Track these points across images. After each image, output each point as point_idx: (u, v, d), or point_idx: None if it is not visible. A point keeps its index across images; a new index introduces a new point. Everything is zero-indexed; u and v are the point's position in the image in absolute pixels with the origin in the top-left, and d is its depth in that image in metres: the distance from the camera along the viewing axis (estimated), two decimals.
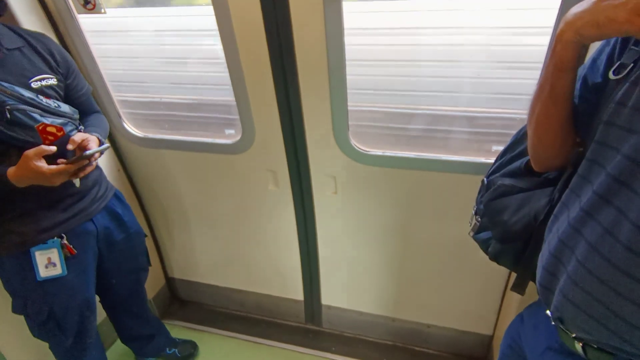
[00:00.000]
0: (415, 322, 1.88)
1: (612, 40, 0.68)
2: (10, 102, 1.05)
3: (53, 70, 1.20)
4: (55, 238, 1.25)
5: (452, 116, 1.42)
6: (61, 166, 1.08)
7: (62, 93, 1.23)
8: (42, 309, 1.30)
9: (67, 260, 1.28)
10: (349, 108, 1.38)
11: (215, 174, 1.74)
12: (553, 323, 0.71)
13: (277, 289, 2.05)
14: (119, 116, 1.69)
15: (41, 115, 1.12)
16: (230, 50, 1.35)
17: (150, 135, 1.71)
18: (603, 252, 0.59)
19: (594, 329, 0.63)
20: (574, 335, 0.68)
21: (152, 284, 2.14)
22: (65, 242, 1.27)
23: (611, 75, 0.64)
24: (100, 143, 1.22)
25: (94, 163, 1.20)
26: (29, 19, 1.40)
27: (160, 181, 1.87)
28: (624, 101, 0.59)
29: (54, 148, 1.07)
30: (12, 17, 1.34)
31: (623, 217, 0.57)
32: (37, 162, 1.04)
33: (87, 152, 1.11)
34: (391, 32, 1.34)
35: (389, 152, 1.45)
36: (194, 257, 2.10)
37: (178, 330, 2.11)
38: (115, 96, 1.66)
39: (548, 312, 0.72)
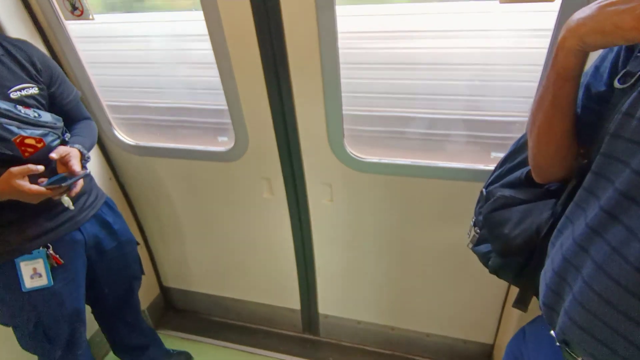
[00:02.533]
0: (415, 331, 1.85)
1: (616, 47, 0.64)
2: None
3: (34, 79, 1.16)
4: (41, 248, 1.22)
5: (449, 120, 1.39)
6: (41, 189, 1.06)
7: (44, 102, 1.19)
8: (29, 319, 1.27)
9: (54, 270, 1.25)
10: (344, 112, 1.35)
11: (209, 181, 1.70)
12: (558, 344, 0.68)
13: (273, 298, 2.01)
14: (110, 123, 1.66)
15: (19, 127, 1.08)
16: (222, 55, 1.32)
17: (142, 143, 1.68)
18: (611, 273, 0.56)
19: (602, 354, 0.59)
20: (580, 358, 0.64)
21: (146, 293, 2.10)
22: (51, 252, 1.24)
23: (616, 84, 0.61)
24: (82, 155, 1.19)
25: (78, 186, 1.17)
26: (15, 25, 1.37)
27: (153, 189, 1.83)
28: (632, 112, 0.55)
29: (41, 168, 1.06)
30: None
31: (632, 236, 0.53)
32: (20, 181, 1.03)
33: (65, 183, 1.10)
34: (387, 36, 1.31)
35: (385, 159, 1.41)
36: (188, 265, 2.07)
37: (172, 340, 2.07)
38: (106, 102, 1.63)
39: (552, 332, 0.68)
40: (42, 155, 1.11)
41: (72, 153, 1.15)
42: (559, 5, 1.02)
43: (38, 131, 1.13)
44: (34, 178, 1.07)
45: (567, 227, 0.67)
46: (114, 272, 1.50)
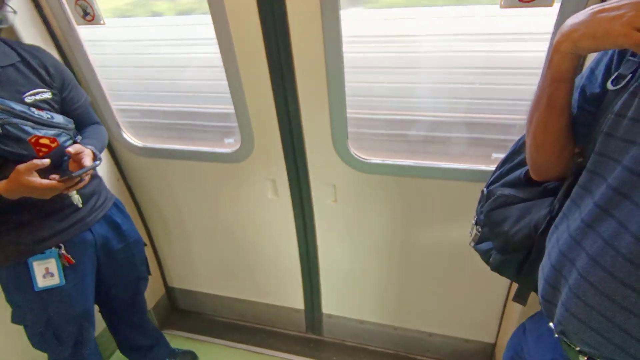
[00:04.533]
0: (417, 331, 1.87)
1: (610, 51, 0.67)
2: (1, 117, 1.05)
3: (47, 85, 1.19)
4: (53, 248, 1.24)
5: (451, 122, 1.42)
6: (52, 182, 1.07)
7: (57, 106, 1.22)
8: (39, 318, 1.30)
9: (65, 270, 1.28)
10: (348, 115, 1.38)
11: (215, 183, 1.73)
12: (557, 336, 0.70)
13: (277, 298, 2.03)
14: (118, 126, 1.69)
15: (33, 128, 1.11)
16: (229, 59, 1.35)
17: (150, 144, 1.71)
18: (604, 265, 0.58)
19: (598, 343, 0.61)
20: (578, 348, 0.67)
21: (152, 294, 2.13)
22: (63, 252, 1.26)
23: (609, 86, 0.64)
24: (95, 156, 1.21)
25: (86, 178, 1.19)
26: (29, 31, 1.40)
27: (160, 190, 1.86)
28: (623, 112, 0.58)
29: (47, 161, 1.07)
30: (12, 30, 1.34)
31: (624, 229, 0.56)
32: (29, 177, 1.04)
33: (75, 173, 1.11)
34: (390, 40, 1.34)
35: (388, 160, 1.44)
36: (193, 266, 2.09)
37: (177, 340, 2.09)
38: (115, 105, 1.66)
39: (551, 324, 0.71)
40: (55, 155, 1.14)
41: (85, 152, 1.17)
42: (558, 9, 1.04)
43: (51, 131, 1.16)
44: (45, 176, 1.08)
45: (563, 223, 0.70)
46: (121, 273, 1.52)
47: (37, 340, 1.35)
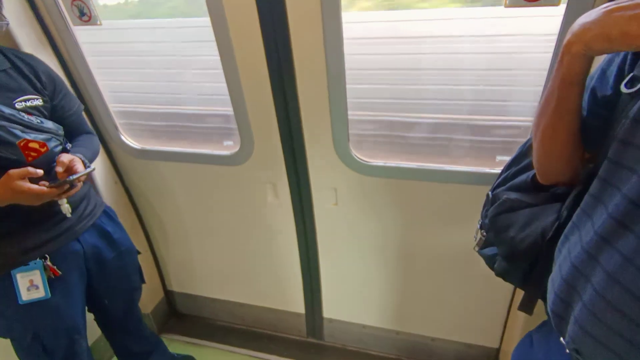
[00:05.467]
0: (420, 335, 1.84)
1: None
2: None
3: (38, 91, 1.17)
4: (38, 259, 1.19)
5: (454, 124, 1.39)
6: (44, 188, 1.05)
7: (47, 113, 1.19)
8: (26, 332, 1.25)
9: (52, 282, 1.22)
10: (350, 117, 1.36)
11: (214, 185, 1.71)
12: (568, 351, 0.67)
13: (277, 302, 2.01)
14: (116, 128, 1.67)
15: (22, 131, 1.08)
16: (228, 61, 1.33)
17: (148, 147, 1.69)
18: (624, 283, 0.55)
19: None
20: None
21: (151, 298, 2.10)
22: (49, 263, 1.21)
23: (623, 89, 0.61)
24: (85, 165, 1.18)
25: (79, 185, 1.17)
26: (24, 32, 1.38)
27: (159, 193, 1.84)
28: None
29: (40, 172, 1.04)
30: (7, 31, 1.32)
31: None
32: (20, 182, 1.01)
33: (71, 177, 1.08)
34: (392, 41, 1.32)
35: (390, 163, 1.41)
36: (193, 269, 2.07)
37: (177, 345, 2.07)
38: (113, 107, 1.64)
39: (562, 340, 0.68)
40: (44, 160, 1.11)
41: (75, 159, 1.15)
42: (564, 9, 1.02)
43: (41, 136, 1.13)
44: (35, 182, 1.05)
45: (573, 233, 0.66)
46: (114, 283, 1.47)
47: (26, 354, 1.29)
